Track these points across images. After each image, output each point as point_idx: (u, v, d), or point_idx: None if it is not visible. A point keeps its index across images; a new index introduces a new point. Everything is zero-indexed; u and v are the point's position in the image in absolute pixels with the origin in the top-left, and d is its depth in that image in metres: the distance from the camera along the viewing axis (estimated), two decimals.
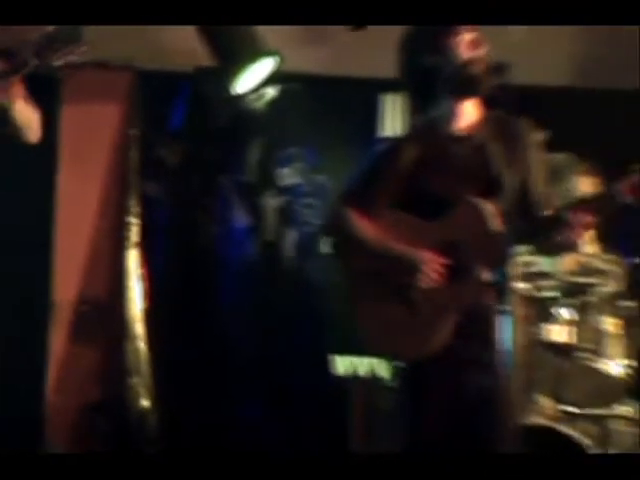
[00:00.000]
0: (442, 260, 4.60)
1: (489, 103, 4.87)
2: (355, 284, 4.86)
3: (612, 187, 4.58)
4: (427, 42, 4.86)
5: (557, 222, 4.76)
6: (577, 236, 5.10)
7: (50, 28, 5.16)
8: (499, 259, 4.65)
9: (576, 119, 6.93)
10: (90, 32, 5.83)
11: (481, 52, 4.63)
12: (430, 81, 4.85)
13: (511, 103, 4.80)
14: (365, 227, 4.81)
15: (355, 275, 4.86)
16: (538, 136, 5.11)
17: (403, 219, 4.74)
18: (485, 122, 4.85)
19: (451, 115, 4.81)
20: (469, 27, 4.94)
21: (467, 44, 4.73)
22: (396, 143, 5.19)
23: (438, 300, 4.57)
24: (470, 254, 4.57)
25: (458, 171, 4.72)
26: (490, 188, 4.74)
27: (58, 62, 5.08)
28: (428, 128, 4.91)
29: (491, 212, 4.65)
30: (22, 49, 4.89)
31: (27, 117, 5.22)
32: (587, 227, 5.05)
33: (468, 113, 4.78)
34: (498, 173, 4.72)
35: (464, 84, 4.70)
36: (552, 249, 5.69)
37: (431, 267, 4.59)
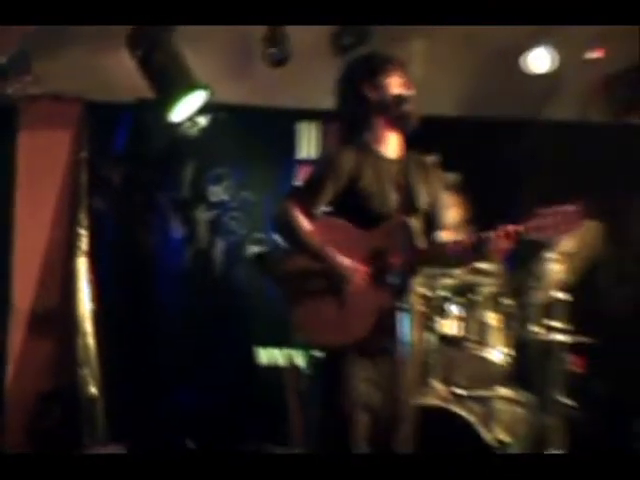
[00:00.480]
0: (368, 269, 5.01)
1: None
2: (293, 281, 5.22)
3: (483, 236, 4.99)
4: (365, 77, 5.26)
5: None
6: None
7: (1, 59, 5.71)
8: (417, 268, 5.10)
9: (464, 147, 7.25)
10: (44, 68, 6.51)
11: (411, 92, 5.16)
12: (365, 110, 5.23)
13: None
14: (308, 229, 5.13)
15: (294, 272, 5.19)
16: (448, 175, 5.72)
17: (341, 225, 5.13)
18: (406, 152, 5.28)
19: (381, 140, 5.23)
20: (401, 69, 5.32)
21: (400, 83, 5.20)
22: (336, 155, 5.41)
23: (363, 301, 4.98)
24: (394, 262, 4.96)
25: (384, 187, 5.17)
26: (408, 207, 5.14)
27: (9, 91, 5.70)
28: (362, 148, 5.23)
29: (415, 228, 5.07)
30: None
31: None
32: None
33: (394, 141, 5.24)
34: (416, 196, 5.16)
35: (397, 117, 5.15)
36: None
37: (359, 275, 5.00)
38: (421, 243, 5.07)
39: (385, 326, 4.89)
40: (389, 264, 4.99)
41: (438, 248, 5.20)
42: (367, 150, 5.25)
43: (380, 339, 4.93)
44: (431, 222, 5.26)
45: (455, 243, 5.15)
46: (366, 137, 5.28)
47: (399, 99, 5.15)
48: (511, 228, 4.90)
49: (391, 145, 5.24)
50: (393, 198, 5.12)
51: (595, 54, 6.89)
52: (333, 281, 5.05)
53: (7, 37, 6.57)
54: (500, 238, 4.92)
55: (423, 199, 5.19)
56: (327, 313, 5.06)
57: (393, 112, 5.16)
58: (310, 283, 5.17)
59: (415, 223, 5.11)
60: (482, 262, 5.77)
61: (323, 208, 5.23)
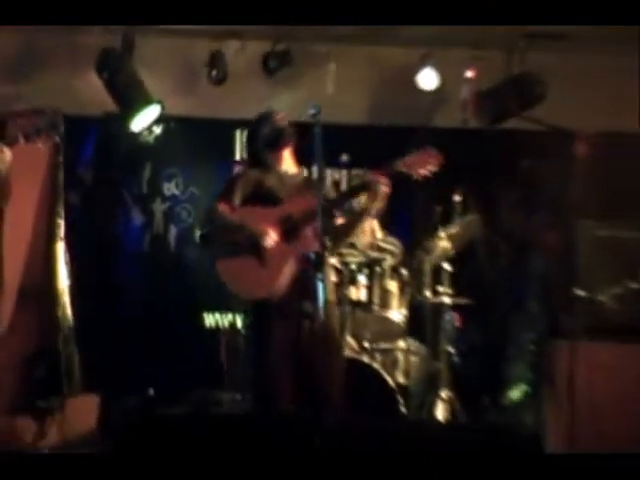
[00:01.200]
0: (277, 229, 5.36)
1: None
2: (223, 250, 5.56)
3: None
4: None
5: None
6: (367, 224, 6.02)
7: (36, 117, 5.75)
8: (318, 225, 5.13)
9: (369, 148, 7.24)
10: (27, 87, 6.66)
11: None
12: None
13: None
14: (229, 214, 5.49)
15: (223, 245, 5.54)
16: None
17: (253, 209, 5.51)
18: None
19: (275, 158, 5.66)
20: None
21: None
22: (244, 169, 6.13)
23: (279, 255, 5.35)
24: (299, 222, 5.32)
25: (282, 185, 5.60)
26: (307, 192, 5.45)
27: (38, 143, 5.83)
28: (267, 167, 5.68)
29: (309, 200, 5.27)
30: (12, 127, 5.54)
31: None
32: (373, 216, 5.86)
33: (286, 158, 5.68)
34: (309, 188, 5.49)
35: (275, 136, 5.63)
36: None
37: (269, 234, 5.34)
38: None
39: (303, 291, 5.20)
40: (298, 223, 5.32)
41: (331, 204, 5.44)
42: (270, 167, 5.68)
43: (299, 301, 5.26)
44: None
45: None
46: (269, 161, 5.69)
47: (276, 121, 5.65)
48: (388, 167, 5.34)
49: (286, 163, 5.68)
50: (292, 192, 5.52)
51: (470, 74, 7.07)
52: (253, 245, 5.39)
53: None
54: (381, 176, 5.32)
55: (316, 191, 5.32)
56: (252, 273, 5.43)
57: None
58: (237, 250, 5.49)
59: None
60: (373, 204, 5.54)
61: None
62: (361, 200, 5.62)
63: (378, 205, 5.50)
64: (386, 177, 5.34)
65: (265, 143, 5.73)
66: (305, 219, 5.32)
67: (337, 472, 3.95)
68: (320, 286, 4.95)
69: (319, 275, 5.00)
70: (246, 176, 5.81)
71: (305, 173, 5.96)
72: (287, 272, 5.35)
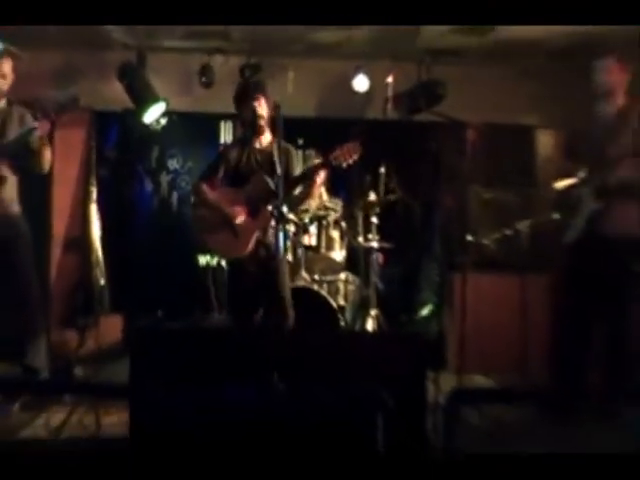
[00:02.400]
0: (244, 208, 5.45)
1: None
2: (204, 221, 5.62)
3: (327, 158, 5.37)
4: (241, 101, 5.67)
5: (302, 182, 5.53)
6: (316, 190, 5.73)
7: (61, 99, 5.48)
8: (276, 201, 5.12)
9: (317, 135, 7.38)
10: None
11: (266, 110, 5.54)
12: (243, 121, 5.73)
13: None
14: (210, 193, 5.61)
15: (205, 216, 5.62)
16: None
17: (227, 190, 5.57)
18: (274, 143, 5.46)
19: (254, 138, 5.65)
20: (264, 94, 5.64)
21: (261, 104, 5.58)
22: (224, 149, 6.06)
23: (246, 228, 5.45)
24: (260, 202, 5.38)
25: (258, 163, 5.59)
26: (273, 172, 5.25)
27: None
28: (245, 143, 5.71)
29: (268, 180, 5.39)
30: (48, 110, 5.27)
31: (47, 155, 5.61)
32: (320, 184, 5.77)
33: (263, 138, 5.65)
34: (277, 165, 5.24)
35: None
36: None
37: (238, 216, 5.44)
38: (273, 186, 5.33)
39: (267, 244, 5.45)
40: (259, 203, 5.37)
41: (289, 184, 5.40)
42: (246, 141, 5.71)
43: (264, 250, 5.46)
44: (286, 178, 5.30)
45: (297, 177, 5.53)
46: (248, 135, 5.71)
47: (258, 116, 5.55)
48: (322, 160, 5.45)
49: (260, 141, 5.66)
50: (262, 169, 5.51)
51: (390, 79, 7.04)
52: (228, 222, 5.49)
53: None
54: (319, 168, 5.43)
55: (279, 171, 5.25)
56: (227, 240, 5.53)
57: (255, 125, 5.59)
58: (214, 221, 5.56)
59: (272, 181, 5.38)
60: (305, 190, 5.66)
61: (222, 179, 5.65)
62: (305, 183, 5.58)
63: (317, 186, 5.58)
64: (322, 167, 5.43)
65: (236, 96, 5.73)
66: (266, 199, 5.34)
67: (292, 365, 3.98)
68: (281, 236, 5.07)
69: (281, 227, 5.05)
70: (225, 158, 5.78)
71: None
72: (253, 240, 5.43)
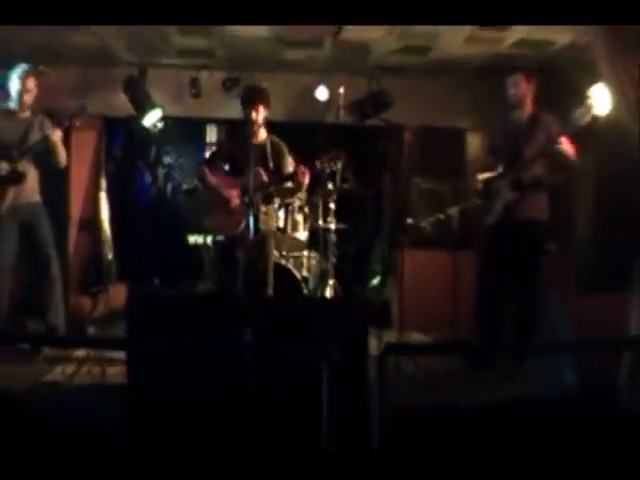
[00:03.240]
0: (239, 195, 5.50)
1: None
2: (207, 200, 5.73)
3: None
4: (245, 105, 5.62)
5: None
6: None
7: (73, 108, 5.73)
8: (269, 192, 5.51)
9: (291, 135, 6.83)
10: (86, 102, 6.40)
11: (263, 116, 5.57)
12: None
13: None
14: (210, 177, 5.65)
15: (207, 195, 5.72)
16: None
17: (225, 177, 5.66)
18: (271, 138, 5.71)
19: (251, 133, 5.54)
20: (261, 99, 5.60)
21: (257, 109, 5.55)
22: (226, 141, 6.36)
23: (239, 211, 5.49)
24: (252, 190, 5.36)
25: (252, 156, 5.42)
26: (267, 167, 5.55)
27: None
28: (241, 139, 5.64)
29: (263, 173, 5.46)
30: (62, 118, 5.67)
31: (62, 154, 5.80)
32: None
33: (259, 136, 5.61)
34: (269, 159, 5.59)
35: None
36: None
37: (234, 200, 5.51)
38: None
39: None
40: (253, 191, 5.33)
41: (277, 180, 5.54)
42: (245, 137, 5.59)
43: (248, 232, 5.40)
44: (276, 172, 5.55)
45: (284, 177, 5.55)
46: (246, 130, 5.60)
47: (252, 122, 5.53)
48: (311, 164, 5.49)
49: (259, 134, 5.64)
50: (254, 163, 5.41)
51: (342, 90, 7.09)
52: (223, 202, 5.53)
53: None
54: (306, 170, 5.45)
55: (271, 164, 5.56)
56: (221, 219, 5.61)
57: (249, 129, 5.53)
58: (214, 203, 5.64)
59: (265, 173, 5.47)
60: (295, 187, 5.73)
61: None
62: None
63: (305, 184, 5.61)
64: (307, 169, 5.47)
65: (242, 101, 5.70)
66: (257, 188, 5.38)
67: (262, 324, 3.90)
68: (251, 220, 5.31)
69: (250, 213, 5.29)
70: (222, 149, 5.93)
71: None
72: (243, 222, 5.43)
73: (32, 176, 5.78)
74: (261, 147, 5.60)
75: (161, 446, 3.71)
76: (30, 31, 6.26)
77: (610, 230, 6.16)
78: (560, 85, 5.91)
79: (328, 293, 6.99)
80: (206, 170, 5.71)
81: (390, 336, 5.92)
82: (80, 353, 5.24)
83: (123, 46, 6.96)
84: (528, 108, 5.47)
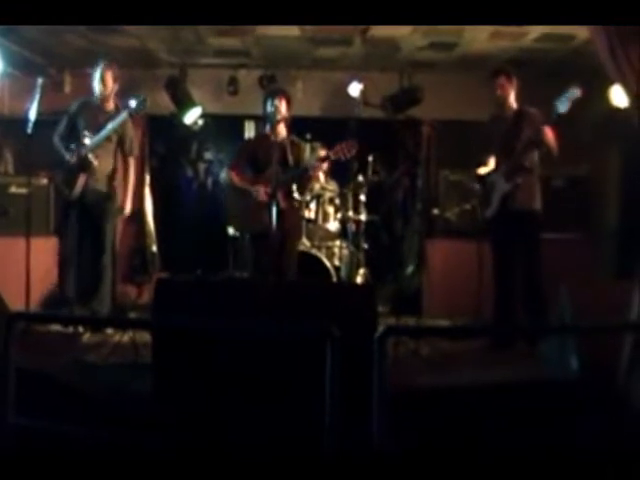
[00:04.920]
0: (265, 188, 5.72)
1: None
2: (235, 198, 6.06)
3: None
4: (267, 100, 5.93)
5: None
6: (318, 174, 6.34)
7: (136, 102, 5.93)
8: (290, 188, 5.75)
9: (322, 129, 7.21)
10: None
11: (285, 111, 5.84)
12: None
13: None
14: (236, 178, 5.93)
15: (235, 194, 6.02)
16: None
17: (252, 175, 5.88)
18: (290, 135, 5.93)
19: (272, 132, 5.85)
20: (284, 96, 5.85)
21: (280, 104, 5.83)
22: (247, 143, 6.50)
23: (262, 206, 5.69)
24: (274, 186, 5.59)
25: (270, 155, 5.72)
26: (286, 161, 5.81)
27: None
28: (263, 136, 6.03)
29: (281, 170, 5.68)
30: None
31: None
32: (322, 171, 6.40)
33: (279, 133, 5.87)
34: (288, 156, 5.82)
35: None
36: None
37: (261, 192, 5.75)
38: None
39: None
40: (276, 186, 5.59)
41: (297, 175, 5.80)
42: (265, 136, 5.93)
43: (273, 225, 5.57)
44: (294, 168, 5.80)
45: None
46: (267, 131, 5.93)
47: (279, 112, 5.81)
48: (324, 154, 5.75)
49: (277, 135, 5.84)
50: (275, 160, 5.67)
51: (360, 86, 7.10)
52: (250, 198, 5.79)
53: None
54: (321, 161, 5.80)
55: (291, 161, 5.80)
56: (248, 215, 5.93)
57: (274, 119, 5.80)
58: (242, 198, 5.93)
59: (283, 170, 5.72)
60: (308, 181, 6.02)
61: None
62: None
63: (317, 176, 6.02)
64: (325, 160, 5.79)
65: (265, 97, 5.98)
66: (279, 184, 5.61)
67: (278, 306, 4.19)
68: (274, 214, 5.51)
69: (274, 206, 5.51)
70: (245, 150, 6.12)
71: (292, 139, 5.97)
72: (267, 217, 5.60)
73: (103, 166, 6.11)
74: (281, 145, 5.81)
75: (179, 415, 4.02)
76: (75, 36, 6.66)
77: (634, 218, 6.30)
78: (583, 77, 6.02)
79: (358, 281, 7.19)
80: (232, 174, 5.99)
81: (408, 322, 6.22)
82: (117, 337, 5.62)
83: (164, 48, 7.28)
84: (513, 105, 5.76)
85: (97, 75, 6.04)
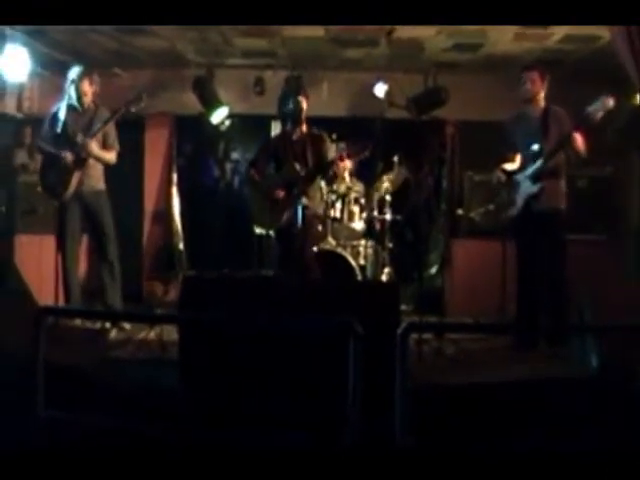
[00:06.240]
0: (283, 187, 5.90)
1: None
2: (256, 197, 6.16)
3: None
4: (283, 99, 6.12)
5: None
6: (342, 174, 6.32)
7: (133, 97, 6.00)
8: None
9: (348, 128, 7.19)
10: (156, 100, 6.90)
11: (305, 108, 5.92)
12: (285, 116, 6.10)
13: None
14: (256, 176, 6.07)
15: (256, 193, 6.11)
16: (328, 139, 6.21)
17: (271, 174, 6.04)
18: (309, 132, 6.01)
19: (292, 130, 5.99)
20: (305, 95, 5.92)
21: (301, 102, 5.89)
22: (268, 141, 6.54)
23: (282, 203, 5.88)
24: (292, 184, 5.80)
25: (290, 154, 5.96)
26: (305, 160, 5.92)
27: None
28: (282, 135, 6.18)
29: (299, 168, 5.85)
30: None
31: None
32: (345, 171, 6.32)
33: (299, 130, 6.00)
34: (308, 153, 5.92)
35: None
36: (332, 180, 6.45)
37: (279, 193, 5.92)
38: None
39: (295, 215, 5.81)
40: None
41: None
42: (286, 134, 6.04)
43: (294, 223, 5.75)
44: (319, 164, 5.88)
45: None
46: (287, 129, 6.05)
47: (301, 108, 5.91)
48: (342, 154, 5.80)
49: (296, 133, 5.97)
50: (293, 157, 5.86)
51: (385, 87, 7.20)
52: (268, 197, 5.89)
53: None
54: (340, 160, 5.79)
55: (310, 157, 5.89)
56: (268, 213, 6.03)
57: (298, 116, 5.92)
58: (260, 199, 6.05)
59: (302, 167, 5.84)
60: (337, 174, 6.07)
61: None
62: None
63: (340, 173, 5.99)
64: (341, 159, 5.80)
65: (283, 94, 6.16)
66: (296, 181, 5.76)
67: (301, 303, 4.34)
68: (299, 209, 5.66)
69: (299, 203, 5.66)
70: (266, 148, 6.20)
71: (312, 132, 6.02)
72: (287, 215, 5.82)
73: (97, 165, 6.21)
74: (300, 142, 5.93)
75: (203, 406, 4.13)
76: (104, 37, 6.71)
77: None
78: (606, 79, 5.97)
79: (383, 280, 7.23)
80: (252, 171, 6.09)
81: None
82: (143, 334, 5.73)
83: (191, 49, 7.33)
84: (541, 103, 5.72)
85: (74, 82, 6.09)
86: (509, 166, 5.84)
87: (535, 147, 5.54)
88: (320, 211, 6.61)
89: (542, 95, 5.71)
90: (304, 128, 5.99)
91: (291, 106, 5.94)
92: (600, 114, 5.16)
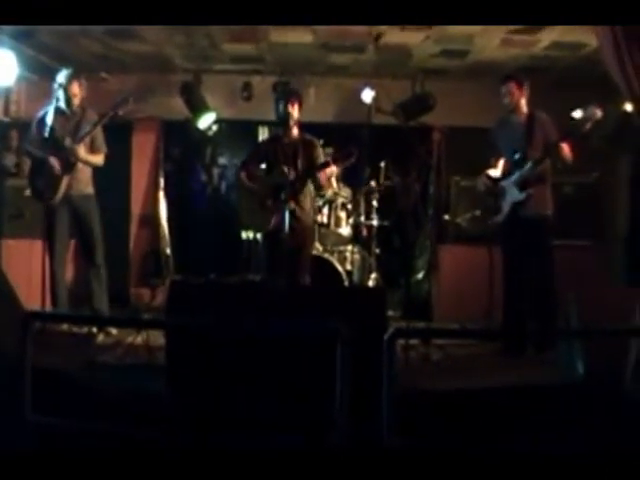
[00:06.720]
0: (271, 192, 5.74)
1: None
2: (245, 199, 6.03)
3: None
4: (278, 102, 5.94)
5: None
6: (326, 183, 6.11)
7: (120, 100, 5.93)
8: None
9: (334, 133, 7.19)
10: (146, 106, 7.01)
11: (297, 112, 5.82)
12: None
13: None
14: (246, 179, 5.94)
15: (245, 195, 6.01)
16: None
17: (262, 177, 5.91)
18: (301, 137, 5.91)
19: (283, 134, 5.89)
20: (297, 99, 5.83)
21: (293, 107, 5.83)
22: (259, 144, 6.56)
23: (272, 208, 5.75)
24: (281, 188, 5.68)
25: (281, 156, 5.84)
26: (296, 164, 5.78)
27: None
28: (276, 137, 6.04)
29: (290, 172, 5.73)
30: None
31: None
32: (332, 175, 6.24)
33: (291, 134, 5.90)
34: (299, 157, 5.80)
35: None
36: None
37: (266, 197, 5.77)
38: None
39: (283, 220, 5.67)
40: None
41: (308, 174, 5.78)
42: (278, 138, 5.97)
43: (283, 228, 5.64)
44: (308, 168, 5.78)
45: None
46: (280, 132, 5.96)
47: (291, 117, 5.83)
48: (328, 160, 5.73)
49: (289, 136, 5.88)
50: (283, 161, 5.76)
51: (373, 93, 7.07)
52: (258, 201, 5.82)
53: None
54: (324, 166, 5.72)
55: (300, 162, 5.78)
56: (257, 216, 5.91)
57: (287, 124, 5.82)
58: (252, 200, 5.92)
59: (293, 171, 5.75)
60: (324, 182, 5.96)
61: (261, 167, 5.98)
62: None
63: (324, 182, 5.91)
64: (326, 166, 5.72)
65: (277, 99, 6.02)
66: (283, 188, 5.67)
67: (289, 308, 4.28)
68: (286, 213, 5.57)
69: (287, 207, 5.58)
70: (258, 150, 6.14)
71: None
72: (276, 219, 5.69)
73: (85, 169, 6.20)
74: (292, 146, 5.87)
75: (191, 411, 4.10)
76: (91, 41, 6.72)
77: None
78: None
79: (370, 285, 7.25)
80: (242, 174, 6.03)
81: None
82: (130, 339, 5.65)
83: (178, 54, 7.32)
84: (524, 109, 5.72)
85: (63, 84, 6.07)
86: (493, 172, 5.83)
87: (519, 154, 5.55)
88: (310, 217, 6.51)
89: (523, 102, 5.71)
90: (295, 133, 5.95)
91: (281, 111, 5.90)
92: (588, 125, 5.17)
